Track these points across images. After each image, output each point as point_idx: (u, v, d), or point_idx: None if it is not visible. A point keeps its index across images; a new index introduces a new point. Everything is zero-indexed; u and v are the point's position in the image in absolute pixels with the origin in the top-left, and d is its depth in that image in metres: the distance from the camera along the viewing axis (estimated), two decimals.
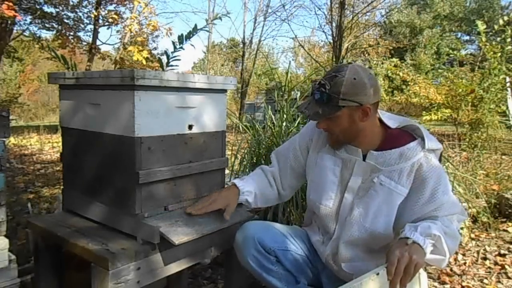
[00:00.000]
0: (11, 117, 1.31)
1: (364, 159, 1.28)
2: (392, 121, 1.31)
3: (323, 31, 13.93)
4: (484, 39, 4.71)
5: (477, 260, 2.22)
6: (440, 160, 1.28)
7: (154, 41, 15.65)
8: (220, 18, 2.72)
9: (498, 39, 4.77)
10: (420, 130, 1.26)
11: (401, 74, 6.87)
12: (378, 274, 1.06)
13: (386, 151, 1.25)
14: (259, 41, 15.66)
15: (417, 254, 1.05)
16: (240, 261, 1.40)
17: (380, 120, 1.31)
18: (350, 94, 1.19)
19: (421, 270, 1.13)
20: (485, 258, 2.24)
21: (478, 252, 2.31)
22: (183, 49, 2.36)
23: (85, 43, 10.50)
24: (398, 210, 1.24)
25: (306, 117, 1.22)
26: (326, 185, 1.35)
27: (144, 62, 7.57)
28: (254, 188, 1.47)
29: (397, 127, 1.30)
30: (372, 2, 12.90)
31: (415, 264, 1.04)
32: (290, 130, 2.60)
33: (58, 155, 5.22)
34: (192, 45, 2.59)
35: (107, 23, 10.43)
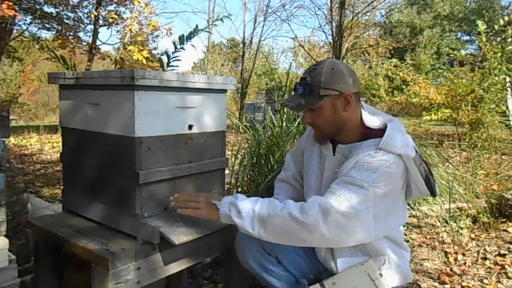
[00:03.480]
0: (11, 117, 1.31)
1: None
2: (376, 122, 1.28)
3: (323, 31, 13.94)
4: (484, 39, 4.71)
5: (477, 260, 2.22)
6: (424, 168, 1.22)
7: (154, 41, 15.64)
8: (221, 20, 2.73)
9: (498, 39, 4.78)
10: (389, 130, 1.22)
11: (401, 74, 6.87)
12: (363, 264, 1.16)
13: (352, 144, 1.28)
14: (259, 41, 15.64)
15: (207, 208, 1.23)
16: (240, 262, 1.40)
17: (364, 122, 1.29)
18: (330, 83, 1.23)
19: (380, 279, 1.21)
20: (485, 258, 2.23)
21: (478, 252, 2.31)
22: (184, 49, 2.37)
23: (85, 43, 10.50)
24: None
25: (290, 109, 1.27)
26: (312, 178, 1.39)
27: (144, 61, 7.56)
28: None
29: (380, 127, 1.27)
30: (372, 2, 12.90)
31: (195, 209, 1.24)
32: (290, 130, 2.60)
33: (58, 155, 5.22)
34: (193, 46, 2.60)
35: (107, 23, 10.43)
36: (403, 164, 1.20)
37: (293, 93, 1.34)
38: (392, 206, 1.23)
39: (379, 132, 1.24)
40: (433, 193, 1.26)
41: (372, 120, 1.29)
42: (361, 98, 1.36)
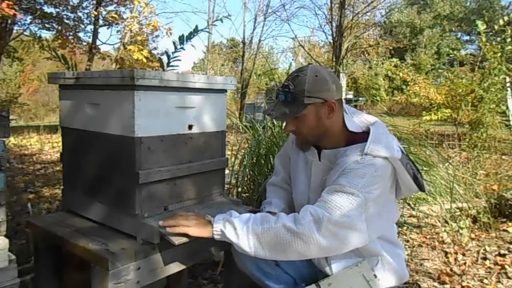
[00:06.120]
0: (11, 117, 1.31)
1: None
2: (359, 126, 1.28)
3: (323, 31, 13.92)
4: (484, 39, 4.71)
5: (477, 260, 2.22)
6: (413, 173, 1.22)
7: (154, 41, 15.66)
8: (221, 20, 2.74)
9: (498, 39, 4.78)
10: (373, 134, 1.22)
11: (401, 74, 6.88)
12: (357, 265, 1.17)
13: (336, 149, 1.27)
14: (259, 41, 15.65)
15: (198, 226, 1.17)
16: (238, 265, 1.39)
17: (346, 126, 1.29)
18: (314, 91, 1.22)
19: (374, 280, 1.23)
20: (485, 258, 2.24)
21: (478, 252, 2.31)
22: (184, 49, 2.37)
23: (85, 43, 10.51)
24: None
25: (274, 119, 1.24)
26: (300, 184, 1.38)
27: (144, 60, 7.56)
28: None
29: (363, 130, 1.27)
30: (372, 2, 12.90)
31: (185, 227, 1.17)
32: None
33: (58, 155, 5.22)
34: (193, 46, 2.60)
35: (107, 23, 10.44)
36: (391, 165, 1.20)
37: (275, 101, 1.32)
38: (383, 207, 1.23)
39: (363, 136, 1.24)
40: (422, 189, 1.26)
41: (354, 124, 1.29)
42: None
